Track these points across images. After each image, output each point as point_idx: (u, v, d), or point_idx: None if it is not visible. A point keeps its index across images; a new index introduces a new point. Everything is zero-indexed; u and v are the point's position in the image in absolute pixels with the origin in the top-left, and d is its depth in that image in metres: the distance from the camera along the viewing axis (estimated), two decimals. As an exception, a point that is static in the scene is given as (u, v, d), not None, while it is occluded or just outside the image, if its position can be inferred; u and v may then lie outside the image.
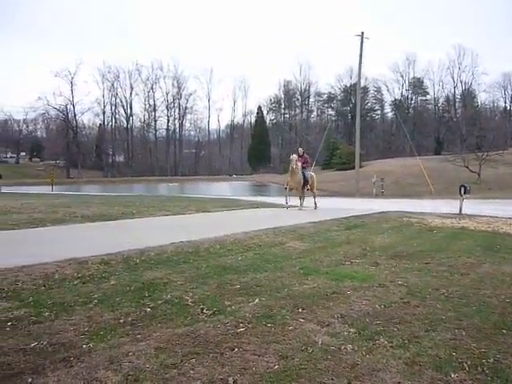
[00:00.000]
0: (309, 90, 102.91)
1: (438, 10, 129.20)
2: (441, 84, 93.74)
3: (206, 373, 3.15)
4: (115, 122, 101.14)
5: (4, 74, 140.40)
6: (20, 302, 4.46)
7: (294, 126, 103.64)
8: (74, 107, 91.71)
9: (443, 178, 41.54)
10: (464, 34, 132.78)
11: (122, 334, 3.75)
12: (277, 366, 3.29)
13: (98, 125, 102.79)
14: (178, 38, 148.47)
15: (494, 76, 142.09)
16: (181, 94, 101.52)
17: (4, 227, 9.48)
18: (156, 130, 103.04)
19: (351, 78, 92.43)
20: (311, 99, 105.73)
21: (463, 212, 15.76)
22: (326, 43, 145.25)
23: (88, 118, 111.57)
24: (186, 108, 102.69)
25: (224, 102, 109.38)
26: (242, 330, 3.95)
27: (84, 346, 3.49)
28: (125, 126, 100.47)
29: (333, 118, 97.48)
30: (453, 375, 3.25)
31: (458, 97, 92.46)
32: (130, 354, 3.38)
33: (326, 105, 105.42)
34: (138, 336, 3.73)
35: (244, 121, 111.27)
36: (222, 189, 55.54)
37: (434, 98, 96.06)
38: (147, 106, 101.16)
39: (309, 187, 17.45)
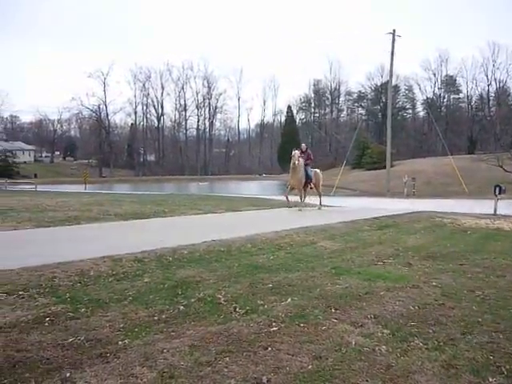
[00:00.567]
0: (339, 88, 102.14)
1: (471, 6, 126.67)
2: (474, 82, 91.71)
3: (240, 371, 3.17)
4: (146, 122, 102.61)
5: (39, 75, 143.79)
6: (57, 298, 4.56)
7: (323, 125, 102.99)
8: (106, 107, 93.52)
9: (476, 178, 40.66)
10: (498, 30, 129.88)
11: (156, 331, 3.80)
12: (310, 366, 3.28)
13: (129, 124, 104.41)
14: (208, 38, 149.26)
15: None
16: (211, 94, 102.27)
17: (41, 224, 9.72)
18: (186, 130, 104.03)
19: (382, 76, 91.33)
20: (341, 98, 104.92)
21: (498, 212, 15.41)
22: (357, 42, 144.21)
23: (120, 118, 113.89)
24: (216, 107, 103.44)
25: (254, 102, 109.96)
26: (275, 329, 3.96)
27: (120, 342, 3.55)
28: (156, 125, 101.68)
29: (363, 117, 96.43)
30: (490, 379, 3.19)
31: (492, 95, 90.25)
32: (165, 351, 3.42)
33: (356, 104, 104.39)
34: (172, 333, 3.77)
35: (274, 120, 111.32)
36: (252, 188, 55.69)
37: (467, 96, 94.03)
38: (178, 105, 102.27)
39: (312, 186, 16.34)
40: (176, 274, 5.67)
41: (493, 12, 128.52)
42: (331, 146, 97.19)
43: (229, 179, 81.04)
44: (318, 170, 16.96)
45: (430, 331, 4.04)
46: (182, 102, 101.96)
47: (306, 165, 15.94)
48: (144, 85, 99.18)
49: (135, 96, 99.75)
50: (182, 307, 4.41)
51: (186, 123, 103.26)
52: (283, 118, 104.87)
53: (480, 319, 4.40)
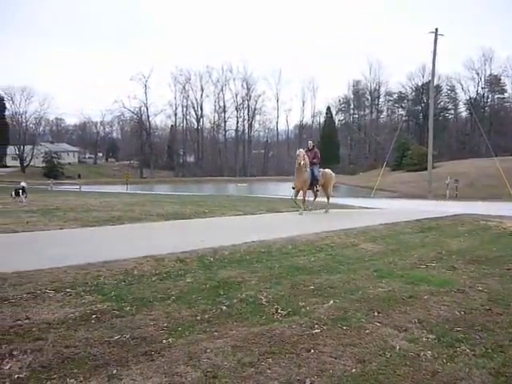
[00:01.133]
0: (379, 89, 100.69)
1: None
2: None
3: (283, 373, 3.16)
4: (186, 124, 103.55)
5: (83, 79, 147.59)
6: (103, 295, 4.66)
7: (363, 127, 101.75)
8: (147, 109, 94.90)
9: (523, 180, 39.39)
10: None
11: (199, 331, 3.83)
12: (354, 370, 3.25)
13: (169, 126, 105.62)
14: (247, 40, 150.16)
15: None
16: (250, 96, 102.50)
17: (86, 224, 9.96)
18: (225, 131, 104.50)
19: (423, 76, 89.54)
20: (381, 99, 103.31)
21: (547, 216, 14.87)
22: (398, 41, 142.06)
23: (160, 120, 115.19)
24: (254, 109, 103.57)
25: (293, 103, 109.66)
26: (317, 331, 3.94)
27: (164, 341, 3.60)
28: (195, 127, 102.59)
29: (403, 118, 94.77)
30: (542, 388, 3.08)
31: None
32: (208, 350, 3.45)
33: (396, 104, 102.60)
34: (215, 333, 3.80)
35: (313, 121, 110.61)
36: (291, 189, 55.48)
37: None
38: (217, 107, 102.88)
39: (318, 187, 14.95)
40: (217, 274, 5.71)
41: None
42: (370, 148, 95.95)
43: (267, 180, 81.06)
44: (328, 171, 15.73)
45: (477, 337, 3.94)
46: (222, 104, 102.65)
47: (312, 164, 14.57)
48: (184, 87, 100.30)
49: (175, 98, 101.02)
50: (224, 307, 4.43)
51: (225, 125, 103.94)
52: (322, 119, 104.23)
53: (530, 326, 4.26)
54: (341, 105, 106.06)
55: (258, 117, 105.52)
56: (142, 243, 7.78)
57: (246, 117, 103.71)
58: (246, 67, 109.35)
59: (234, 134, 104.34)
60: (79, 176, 76.55)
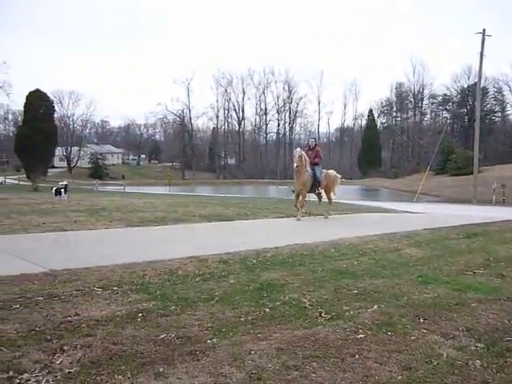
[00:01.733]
0: (422, 91, 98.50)
1: None
2: None
3: (328, 377, 3.14)
4: (228, 126, 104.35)
5: (128, 82, 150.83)
6: (148, 294, 4.74)
7: (405, 130, 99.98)
8: (189, 112, 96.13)
9: None
10: None
11: (243, 332, 3.85)
12: (400, 377, 3.20)
13: (211, 128, 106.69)
14: (289, 43, 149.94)
15: None
16: (291, 98, 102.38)
17: (130, 224, 10.19)
18: (267, 134, 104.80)
19: (469, 78, 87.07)
20: (425, 101, 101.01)
21: None
22: (443, 42, 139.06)
23: (202, 122, 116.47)
24: (296, 112, 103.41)
25: (334, 105, 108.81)
26: (361, 336, 3.89)
27: (208, 341, 3.63)
28: (237, 129, 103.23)
29: (448, 121, 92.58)
30: None
31: None
32: (253, 352, 3.46)
33: (440, 107, 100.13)
34: (259, 335, 3.80)
35: (354, 124, 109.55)
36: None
37: None
38: (258, 109, 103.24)
39: (320, 190, 13.63)
40: (260, 276, 5.72)
41: None
42: (413, 151, 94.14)
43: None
44: (332, 171, 14.46)
45: (529, 347, 3.81)
46: (263, 107, 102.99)
47: (314, 164, 13.24)
48: (226, 89, 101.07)
49: (217, 101, 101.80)
50: (267, 310, 4.44)
51: (266, 127, 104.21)
52: (364, 122, 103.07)
53: None
54: (383, 107, 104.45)
55: (299, 119, 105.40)
56: (185, 244, 7.90)
57: (288, 119, 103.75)
58: (287, 70, 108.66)
59: (275, 137, 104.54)
60: (123, 177, 78.21)
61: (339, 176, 14.50)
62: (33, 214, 11.95)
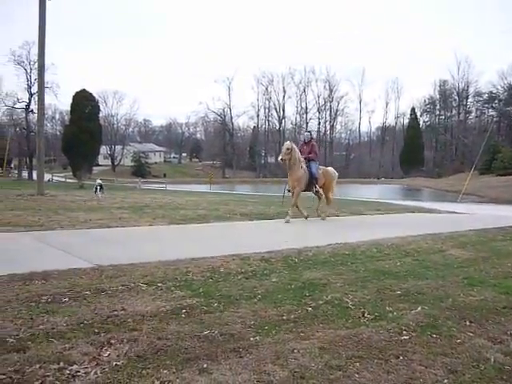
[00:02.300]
0: (467, 89, 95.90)
1: None
2: None
3: (372, 378, 3.11)
4: (268, 125, 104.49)
5: (170, 81, 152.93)
6: (192, 291, 4.80)
7: (449, 128, 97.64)
8: (230, 111, 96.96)
9: None
10: None
11: (286, 331, 3.85)
12: (446, 381, 3.13)
13: (251, 127, 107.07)
14: (330, 41, 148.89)
15: None
16: (332, 97, 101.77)
17: (173, 222, 10.35)
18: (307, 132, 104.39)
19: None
20: (470, 99, 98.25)
21: None
22: (489, 39, 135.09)
23: (243, 121, 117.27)
24: (337, 110, 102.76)
25: (376, 104, 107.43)
26: (405, 337, 3.83)
27: (251, 338, 3.65)
28: (277, 128, 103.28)
29: (494, 119, 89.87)
30: None
31: None
32: (295, 351, 3.46)
33: (486, 105, 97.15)
34: (302, 334, 3.80)
35: (396, 123, 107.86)
36: (372, 192, 54.34)
37: None
38: (299, 108, 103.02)
39: (318, 188, 12.31)
40: (302, 275, 5.71)
41: None
42: (457, 150, 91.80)
43: (348, 182, 79.87)
44: (331, 169, 13.38)
45: None
46: (303, 105, 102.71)
47: (309, 160, 12.15)
48: (267, 88, 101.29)
49: (258, 100, 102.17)
50: (309, 309, 4.43)
51: (306, 126, 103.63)
52: (406, 121, 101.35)
53: None
54: (426, 105, 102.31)
55: (339, 118, 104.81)
56: (227, 242, 7.97)
57: (328, 118, 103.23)
58: (328, 68, 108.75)
59: (315, 136, 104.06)
60: (164, 175, 79.50)
61: (336, 174, 13.27)
62: (79, 210, 12.30)
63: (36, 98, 44.01)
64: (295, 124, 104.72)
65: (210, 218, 11.25)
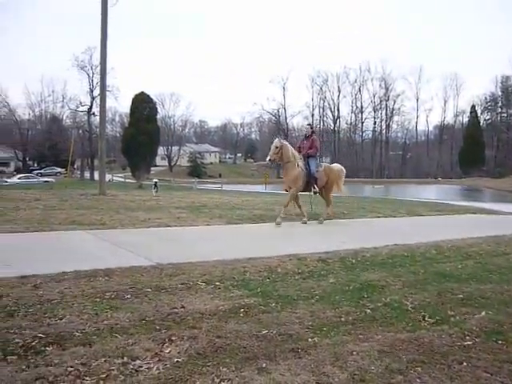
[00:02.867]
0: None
1: None
2: None
3: (434, 384, 3.04)
4: (323, 125, 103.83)
5: (225, 83, 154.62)
6: (249, 291, 4.85)
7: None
8: (285, 111, 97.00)
9: None
10: None
11: (344, 332, 3.82)
12: (514, 389, 3.02)
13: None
14: (386, 38, 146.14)
15: None
16: (388, 96, 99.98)
17: (230, 221, 10.48)
18: (362, 132, 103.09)
19: None
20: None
21: None
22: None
23: (297, 121, 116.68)
24: (393, 109, 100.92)
25: (433, 102, 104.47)
26: (469, 343, 3.71)
27: (309, 339, 3.64)
28: (332, 127, 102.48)
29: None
30: None
31: None
32: (354, 353, 3.42)
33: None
34: (360, 336, 3.75)
35: (455, 121, 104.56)
36: (430, 192, 52.89)
37: None
38: (354, 107, 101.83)
39: (316, 188, 10.94)
40: (360, 276, 5.65)
41: None
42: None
43: (405, 183, 78.12)
44: (335, 165, 12.13)
45: None
46: (359, 105, 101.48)
47: (308, 157, 10.94)
48: (321, 88, 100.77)
49: (312, 99, 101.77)
50: (368, 311, 4.37)
51: (362, 125, 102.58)
52: (465, 119, 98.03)
53: None
54: (487, 103, 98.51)
55: (396, 117, 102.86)
56: (283, 241, 8.02)
57: (384, 117, 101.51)
58: (384, 66, 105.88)
59: (370, 135, 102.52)
60: (220, 175, 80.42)
61: (343, 171, 11.97)
62: (139, 210, 12.65)
63: (97, 101, 45.72)
64: (350, 123, 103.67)
65: (265, 218, 11.30)
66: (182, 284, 4.99)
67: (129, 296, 4.50)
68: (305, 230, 9.95)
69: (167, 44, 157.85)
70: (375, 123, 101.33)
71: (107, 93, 24.66)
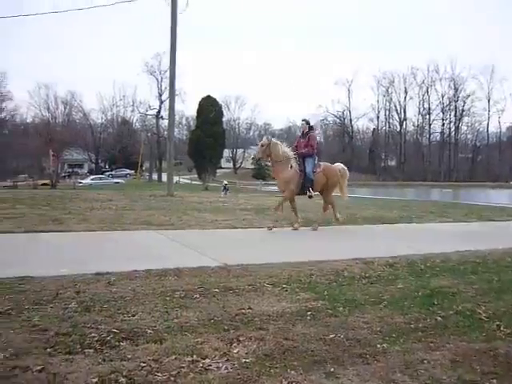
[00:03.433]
0: None
1: None
2: None
3: (510, 399, 2.91)
4: (388, 127, 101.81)
5: (289, 85, 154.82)
6: (316, 294, 4.83)
7: None
8: (350, 113, 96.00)
9: None
10: None
11: (414, 340, 3.72)
12: None
13: (371, 129, 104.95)
14: (454, 36, 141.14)
15: None
16: (457, 96, 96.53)
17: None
18: (430, 134, 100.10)
19: None
20: None
21: None
22: None
23: (362, 123, 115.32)
24: (462, 110, 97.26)
25: (506, 103, 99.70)
26: (550, 357, 3.53)
27: (378, 345, 3.57)
28: (398, 130, 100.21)
29: None
30: None
31: None
32: (425, 361, 3.33)
33: None
34: (431, 344, 3.65)
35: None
36: (502, 196, 50.42)
37: None
38: (421, 109, 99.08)
39: (311, 192, 9.92)
40: (430, 282, 5.49)
41: None
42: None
43: (476, 186, 75.06)
44: (337, 165, 10.92)
45: None
46: (426, 106, 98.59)
47: (304, 156, 9.99)
48: (387, 90, 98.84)
49: (378, 101, 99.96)
50: (439, 318, 4.24)
51: (429, 127, 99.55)
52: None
53: None
54: None
55: (465, 119, 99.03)
56: (349, 245, 7.97)
57: (453, 119, 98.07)
58: (453, 66, 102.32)
59: (438, 137, 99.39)
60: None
61: (347, 172, 10.90)
62: (206, 211, 12.92)
63: (166, 105, 47.05)
64: (417, 126, 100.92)
65: (332, 221, 11.20)
66: (248, 285, 5.04)
67: (197, 295, 4.61)
68: (371, 234, 9.77)
69: (232, 47, 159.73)
70: (443, 125, 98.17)
71: (175, 97, 25.31)
